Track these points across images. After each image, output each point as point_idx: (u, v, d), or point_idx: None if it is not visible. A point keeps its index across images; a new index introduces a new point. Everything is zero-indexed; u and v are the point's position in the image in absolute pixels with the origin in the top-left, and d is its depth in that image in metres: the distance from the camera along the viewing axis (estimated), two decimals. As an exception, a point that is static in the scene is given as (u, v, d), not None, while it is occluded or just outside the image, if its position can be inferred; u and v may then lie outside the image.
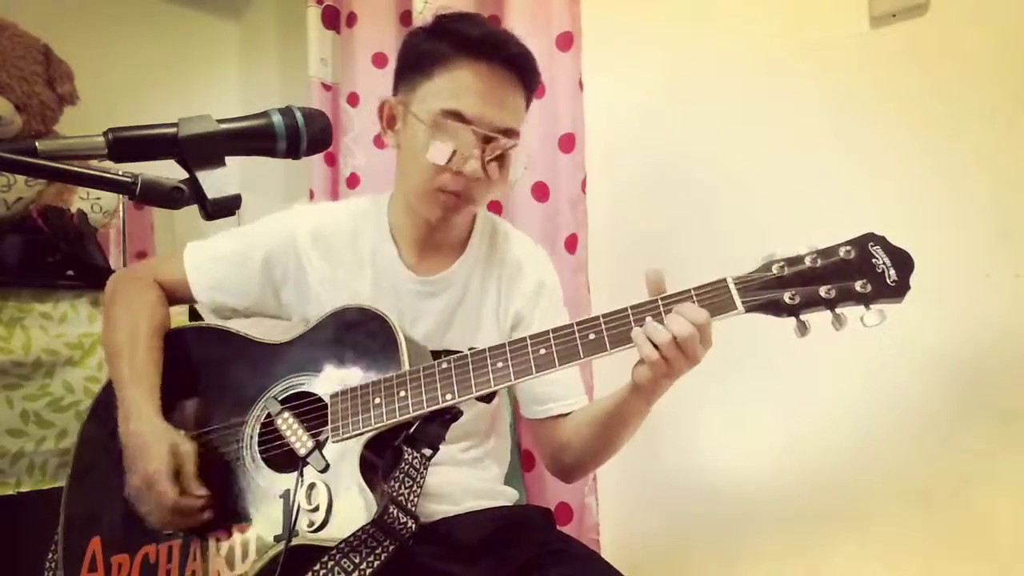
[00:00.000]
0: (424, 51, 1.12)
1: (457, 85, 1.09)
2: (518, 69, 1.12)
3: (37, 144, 0.62)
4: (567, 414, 1.18)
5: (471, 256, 1.22)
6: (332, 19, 1.93)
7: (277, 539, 0.93)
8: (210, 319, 1.24)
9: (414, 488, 0.97)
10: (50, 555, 1.08)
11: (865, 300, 0.87)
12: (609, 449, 1.13)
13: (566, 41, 1.63)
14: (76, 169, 0.64)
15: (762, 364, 1.40)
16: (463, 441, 1.21)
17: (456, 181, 1.09)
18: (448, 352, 1.14)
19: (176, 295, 1.21)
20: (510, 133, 1.11)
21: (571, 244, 1.61)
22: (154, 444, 0.99)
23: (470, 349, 0.99)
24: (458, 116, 1.07)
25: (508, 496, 1.25)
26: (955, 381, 1.23)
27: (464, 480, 1.18)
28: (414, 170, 1.12)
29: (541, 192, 1.63)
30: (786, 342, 1.39)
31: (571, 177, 1.63)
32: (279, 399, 1.03)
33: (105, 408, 1.12)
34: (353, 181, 1.85)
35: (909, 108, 1.27)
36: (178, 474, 0.97)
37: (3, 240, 1.61)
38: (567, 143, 1.62)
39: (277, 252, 1.19)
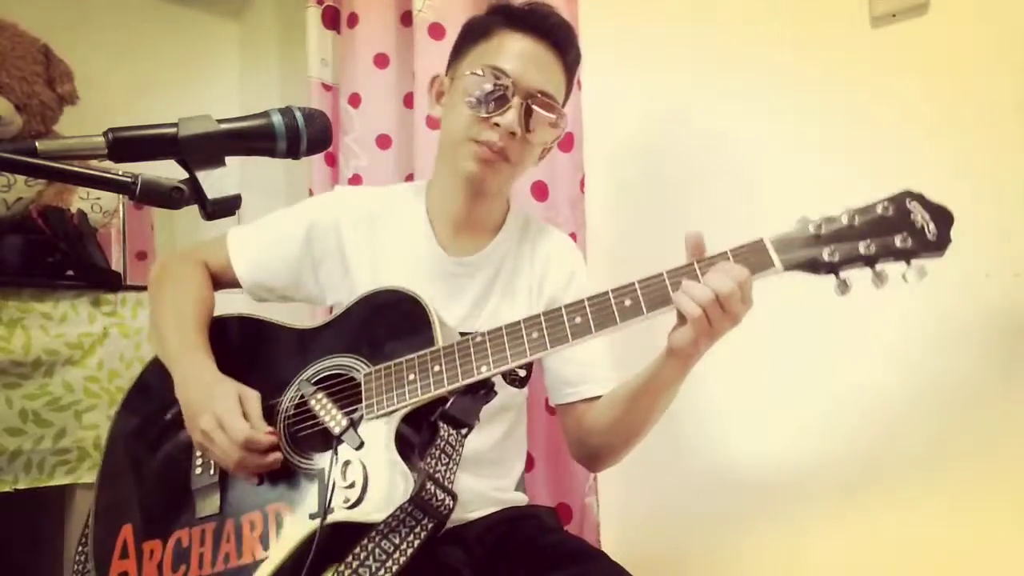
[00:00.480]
0: (474, 26, 1.21)
1: (501, 47, 1.15)
2: (556, 42, 1.16)
3: (37, 144, 0.62)
4: (597, 397, 1.17)
5: (505, 239, 1.25)
6: (332, 19, 1.93)
7: (312, 516, 0.92)
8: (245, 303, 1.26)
9: (451, 465, 0.96)
10: (79, 547, 1.09)
11: (906, 256, 0.85)
12: (639, 427, 1.10)
13: (566, 41, 1.63)
14: (76, 169, 0.64)
15: (765, 364, 1.40)
16: (495, 424, 1.20)
17: (493, 131, 1.12)
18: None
19: (221, 277, 1.24)
20: (550, 98, 1.15)
21: (571, 244, 1.61)
22: (220, 388, 1.01)
23: None
24: (499, 71, 1.12)
25: (517, 500, 1.26)
26: (954, 381, 1.23)
27: (481, 488, 1.18)
28: (452, 123, 1.16)
29: (540, 191, 1.63)
30: (787, 341, 1.39)
31: (570, 177, 1.63)
32: (312, 381, 1.04)
33: (139, 398, 1.14)
34: (356, 182, 1.85)
35: (909, 108, 1.27)
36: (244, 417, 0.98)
37: (3, 240, 1.61)
38: (566, 142, 1.62)
39: (319, 229, 1.22)
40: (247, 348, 1.15)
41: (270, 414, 1.04)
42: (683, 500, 1.53)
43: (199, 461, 1.04)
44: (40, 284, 1.58)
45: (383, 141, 1.86)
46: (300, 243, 1.22)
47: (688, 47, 1.55)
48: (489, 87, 1.11)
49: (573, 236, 1.60)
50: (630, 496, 1.60)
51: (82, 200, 1.70)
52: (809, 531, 1.36)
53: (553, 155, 1.62)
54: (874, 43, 1.32)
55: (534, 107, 1.13)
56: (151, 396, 1.13)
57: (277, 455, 0.98)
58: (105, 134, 0.65)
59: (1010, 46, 1.19)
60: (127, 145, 0.66)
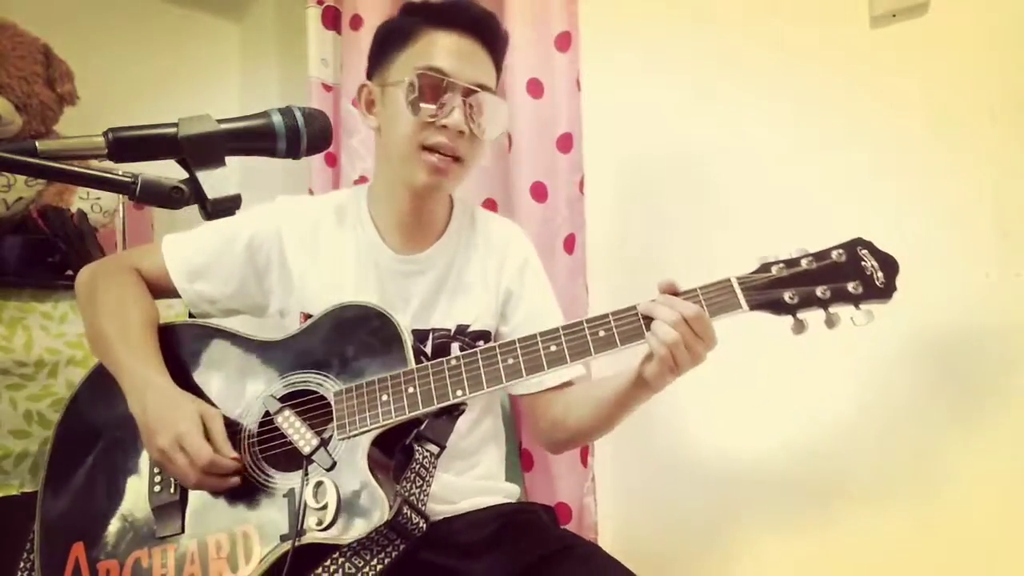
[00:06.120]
0: (395, 29, 1.18)
1: (431, 47, 1.13)
2: (482, 34, 1.16)
3: (37, 144, 0.62)
4: (559, 386, 1.19)
5: (453, 235, 1.24)
6: (333, 19, 1.93)
7: (283, 538, 0.91)
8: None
9: (424, 487, 0.97)
10: (23, 560, 1.04)
11: (856, 300, 0.93)
12: (607, 428, 1.15)
13: (564, 41, 1.63)
14: (76, 169, 0.64)
15: (760, 364, 1.40)
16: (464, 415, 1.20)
17: (441, 133, 1.11)
18: (436, 331, 1.18)
19: (157, 287, 1.19)
20: (488, 89, 1.15)
21: (569, 244, 1.61)
22: (180, 406, 0.98)
23: (477, 346, 0.99)
24: (436, 71, 1.11)
25: (508, 493, 1.24)
26: (955, 381, 1.23)
27: (455, 480, 1.18)
28: (397, 134, 1.14)
29: (539, 192, 1.63)
30: (783, 344, 1.39)
31: (569, 177, 1.63)
32: (277, 397, 1.02)
33: (85, 405, 1.09)
34: (363, 183, 1.85)
35: (909, 108, 1.27)
36: (207, 437, 0.96)
37: (3, 240, 1.61)
38: (565, 143, 1.62)
39: (261, 238, 1.19)
40: (206, 360, 1.10)
41: (232, 430, 1.01)
42: (682, 500, 1.52)
43: (158, 479, 1.01)
44: (40, 284, 1.59)
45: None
46: (242, 251, 1.18)
47: (687, 47, 1.55)
48: (429, 89, 1.10)
49: (572, 236, 1.61)
50: (629, 496, 1.60)
51: (82, 200, 1.70)
52: (809, 535, 1.36)
53: (552, 155, 1.63)
54: (874, 43, 1.32)
55: (476, 102, 1.13)
56: (99, 404, 1.08)
57: (237, 477, 0.97)
58: (105, 134, 0.65)
59: (1010, 46, 1.19)
60: (127, 145, 0.66)
